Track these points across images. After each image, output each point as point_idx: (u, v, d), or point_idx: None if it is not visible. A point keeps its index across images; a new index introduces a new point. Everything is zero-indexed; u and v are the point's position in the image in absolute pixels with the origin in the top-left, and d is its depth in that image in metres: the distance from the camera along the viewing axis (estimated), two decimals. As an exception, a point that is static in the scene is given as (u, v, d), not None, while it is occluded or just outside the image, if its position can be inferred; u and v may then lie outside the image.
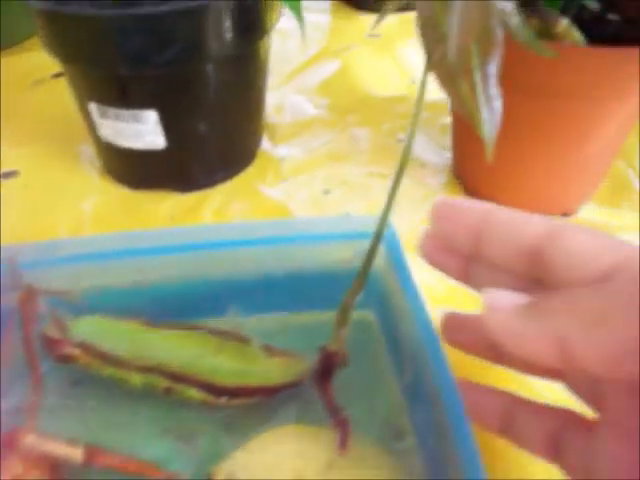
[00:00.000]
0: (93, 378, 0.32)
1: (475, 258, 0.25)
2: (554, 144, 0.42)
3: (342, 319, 0.27)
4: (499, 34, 0.21)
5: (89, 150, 0.53)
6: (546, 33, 0.38)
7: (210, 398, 0.30)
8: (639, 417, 0.17)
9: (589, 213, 0.48)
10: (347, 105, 0.59)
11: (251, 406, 0.31)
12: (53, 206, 0.49)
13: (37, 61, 0.61)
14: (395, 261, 0.31)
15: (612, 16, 0.45)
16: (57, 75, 0.63)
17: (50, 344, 0.30)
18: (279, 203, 0.48)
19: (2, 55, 0.67)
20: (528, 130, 0.42)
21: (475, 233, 0.24)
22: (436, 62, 0.22)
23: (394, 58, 0.67)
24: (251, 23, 0.42)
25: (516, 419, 0.25)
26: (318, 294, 0.33)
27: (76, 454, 0.27)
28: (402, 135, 0.55)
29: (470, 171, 0.49)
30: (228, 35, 0.40)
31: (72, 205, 0.49)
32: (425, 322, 0.27)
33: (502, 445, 0.27)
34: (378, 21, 0.25)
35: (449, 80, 0.22)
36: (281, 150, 0.53)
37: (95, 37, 0.38)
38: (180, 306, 0.33)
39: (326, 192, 0.49)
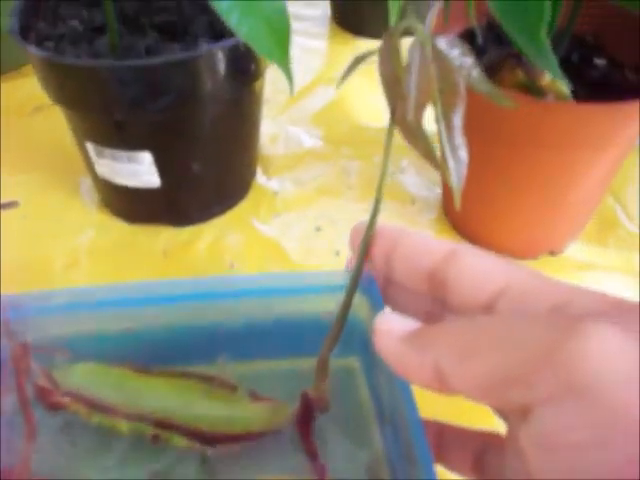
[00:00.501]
0: (84, 423, 0.33)
1: (388, 280, 0.25)
2: (541, 190, 0.43)
3: (321, 369, 0.28)
4: (461, 86, 0.21)
5: (88, 181, 0.54)
6: (531, 86, 0.39)
7: (196, 445, 0.32)
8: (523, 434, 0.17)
9: (576, 252, 0.49)
10: (341, 136, 0.60)
11: (236, 452, 0.32)
12: (51, 238, 0.50)
13: (37, 87, 0.62)
14: (375, 307, 0.32)
15: (599, 61, 0.46)
16: (58, 102, 0.64)
17: (41, 393, 0.31)
18: (272, 239, 0.49)
19: (2, 80, 0.67)
20: (515, 177, 0.43)
21: (386, 255, 0.24)
22: (399, 118, 0.23)
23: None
24: (245, 68, 0.43)
25: (445, 445, 0.26)
26: (306, 341, 0.34)
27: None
28: (394, 168, 0.56)
29: (458, 209, 0.50)
30: (222, 81, 0.41)
31: (70, 237, 0.50)
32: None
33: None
34: (344, 78, 0.25)
35: (411, 135, 0.23)
36: (274, 183, 0.54)
37: (92, 86, 0.39)
38: (172, 352, 0.34)
39: (318, 229, 0.50)
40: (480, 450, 0.25)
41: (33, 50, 0.39)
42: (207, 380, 0.34)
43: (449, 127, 0.21)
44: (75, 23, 0.46)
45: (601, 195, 0.47)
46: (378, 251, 0.24)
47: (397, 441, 0.30)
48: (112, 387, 0.33)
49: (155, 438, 0.32)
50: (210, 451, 0.32)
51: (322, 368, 0.28)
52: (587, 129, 0.38)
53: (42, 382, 0.31)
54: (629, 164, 0.55)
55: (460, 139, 0.21)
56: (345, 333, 0.28)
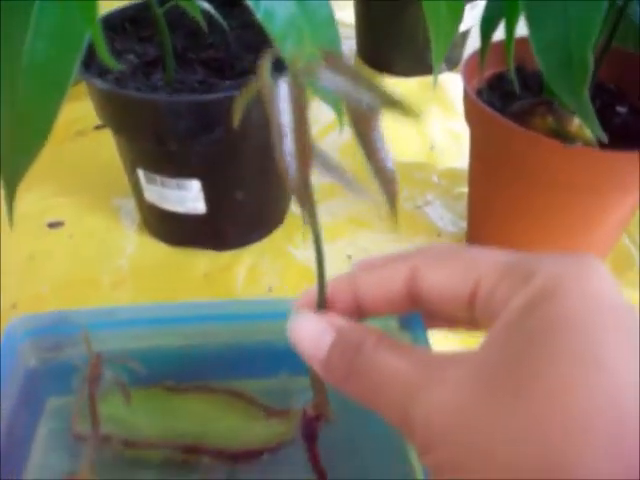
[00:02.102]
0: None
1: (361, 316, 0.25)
2: (564, 228, 0.46)
3: (315, 387, 0.28)
4: (369, 104, 0.19)
5: (129, 203, 0.57)
6: (561, 131, 0.42)
7: (221, 464, 0.34)
8: None
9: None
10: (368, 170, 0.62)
11: (252, 466, 0.34)
12: (96, 257, 0.53)
13: (79, 112, 0.65)
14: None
15: (620, 108, 0.49)
16: (99, 127, 0.67)
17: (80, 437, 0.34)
18: (305, 265, 0.52)
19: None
20: (542, 215, 0.45)
21: (354, 303, 0.24)
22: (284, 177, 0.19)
23: (414, 123, 0.70)
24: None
25: None
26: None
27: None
28: (420, 202, 0.58)
29: (483, 243, 0.52)
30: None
31: (113, 257, 0.53)
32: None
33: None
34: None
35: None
36: (308, 212, 0.57)
37: (150, 118, 0.42)
38: (229, 367, 0.37)
39: (349, 257, 0.53)
40: None
41: (97, 83, 0.42)
42: (228, 393, 0.36)
43: (371, 150, 0.20)
44: (131, 57, 0.49)
45: (619, 234, 0.49)
46: (344, 302, 0.24)
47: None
48: (146, 412, 0.35)
49: (184, 462, 0.34)
50: (234, 468, 0.34)
51: (315, 386, 0.28)
52: (612, 174, 0.41)
53: (78, 429, 0.34)
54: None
55: (387, 161, 0.20)
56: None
